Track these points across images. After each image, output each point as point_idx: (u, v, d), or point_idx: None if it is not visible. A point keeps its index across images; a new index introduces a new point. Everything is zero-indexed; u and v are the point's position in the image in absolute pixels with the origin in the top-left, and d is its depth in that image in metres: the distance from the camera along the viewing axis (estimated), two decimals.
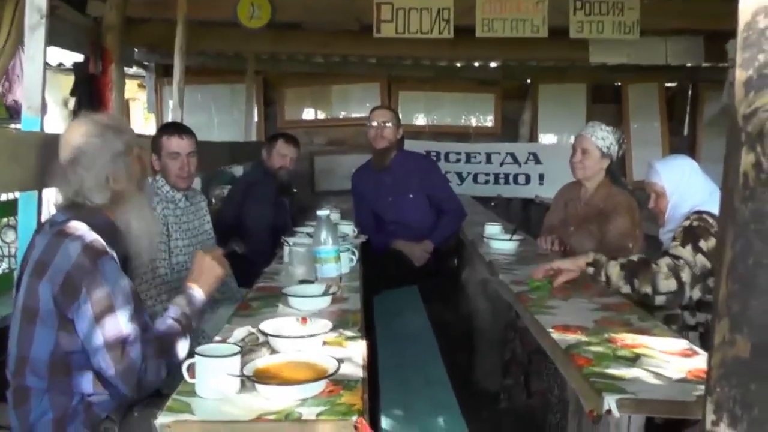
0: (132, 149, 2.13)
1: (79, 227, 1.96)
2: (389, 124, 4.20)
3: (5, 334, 2.11)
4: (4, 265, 2.75)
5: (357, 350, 1.92)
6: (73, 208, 2.05)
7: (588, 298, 2.51)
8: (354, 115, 8.20)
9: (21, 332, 1.97)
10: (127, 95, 10.10)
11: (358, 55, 7.73)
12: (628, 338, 2.00)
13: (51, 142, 2.39)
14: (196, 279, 2.18)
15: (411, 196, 4.27)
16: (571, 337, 1.99)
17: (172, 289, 3.13)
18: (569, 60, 7.56)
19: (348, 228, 3.90)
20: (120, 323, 1.88)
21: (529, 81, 8.36)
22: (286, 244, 3.12)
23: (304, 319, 2.06)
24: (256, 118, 7.85)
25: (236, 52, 7.44)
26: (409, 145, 4.63)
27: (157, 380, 1.92)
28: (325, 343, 1.96)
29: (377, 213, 4.34)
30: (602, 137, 3.42)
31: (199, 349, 1.68)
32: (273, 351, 1.88)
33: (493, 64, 8.27)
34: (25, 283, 1.97)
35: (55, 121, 6.08)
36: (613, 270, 2.57)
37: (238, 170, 6.61)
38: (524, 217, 7.45)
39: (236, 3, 5.70)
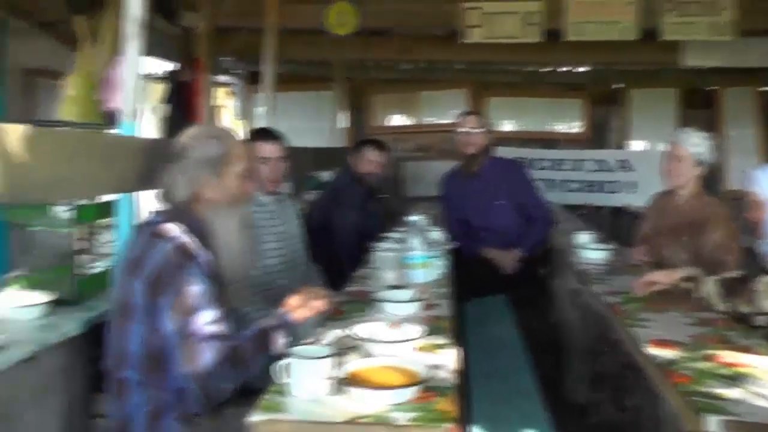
0: (231, 163, 2.17)
1: (172, 229, 2.03)
2: (478, 130, 4.19)
3: (103, 329, 2.19)
4: (102, 264, 2.85)
5: (450, 357, 1.91)
6: (168, 208, 2.13)
7: (683, 312, 2.42)
8: (442, 121, 8.18)
9: (117, 327, 2.06)
10: (216, 102, 10.42)
11: (446, 61, 7.71)
12: (728, 356, 1.91)
13: (146, 147, 2.48)
14: (294, 308, 2.14)
15: (500, 202, 4.23)
16: (668, 353, 1.93)
17: (261, 291, 3.19)
18: (660, 63, 7.26)
19: (437, 234, 3.89)
20: (199, 325, 1.92)
21: (618, 85, 8.16)
22: (375, 249, 3.13)
23: (395, 324, 2.06)
24: (343, 125, 7.92)
25: (324, 59, 7.52)
26: (499, 151, 4.60)
27: (224, 388, 1.95)
28: (417, 348, 1.96)
29: (466, 219, 4.31)
30: (696, 144, 3.30)
31: (294, 349, 1.70)
32: (365, 355, 1.88)
33: (581, 69, 8.09)
34: (121, 280, 2.05)
35: (147, 127, 6.26)
36: (710, 287, 2.46)
37: (325, 176, 6.67)
38: (615, 225, 7.28)
39: (324, 10, 5.77)
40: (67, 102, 4.23)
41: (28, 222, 2.60)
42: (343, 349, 1.89)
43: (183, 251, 1.99)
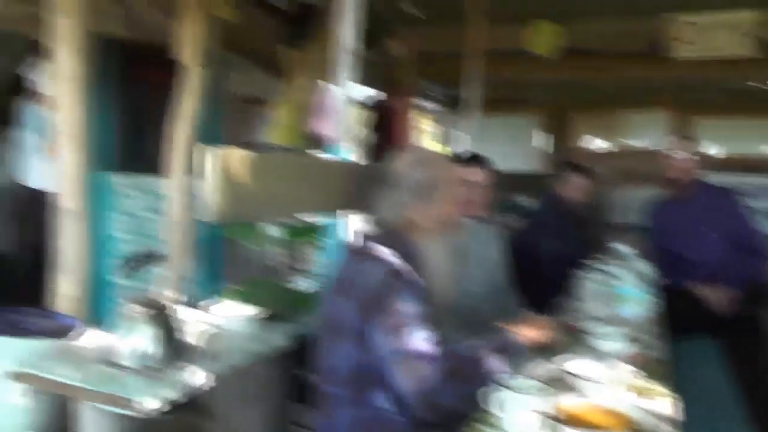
0: (441, 189, 2.16)
1: (386, 251, 2.04)
2: (688, 156, 3.93)
3: (312, 343, 2.25)
4: (308, 282, 2.95)
5: (665, 404, 1.77)
6: (379, 232, 2.15)
7: None
8: (645, 145, 7.82)
9: (328, 345, 2.10)
10: (418, 127, 10.61)
11: (650, 80, 7.33)
12: None
13: (355, 170, 2.53)
14: (521, 330, 2.11)
15: (711, 233, 3.94)
16: None
17: (464, 318, 3.16)
18: None
19: (645, 266, 3.69)
20: (417, 341, 1.90)
21: None
22: (581, 279, 3.00)
23: (608, 362, 1.95)
24: (544, 149, 7.77)
25: (524, 81, 7.42)
26: (706, 177, 4.29)
27: (451, 406, 1.90)
28: (630, 390, 1.84)
29: (672, 250, 4.06)
30: None
31: (507, 382, 1.65)
32: (575, 392, 1.79)
33: None
34: (333, 300, 2.09)
35: (352, 153, 6.47)
36: None
37: (524, 201, 6.58)
38: None
39: (526, 31, 5.69)
40: (276, 128, 4.46)
41: (241, 239, 2.74)
42: (553, 383, 1.82)
43: (396, 273, 1.99)
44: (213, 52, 3.46)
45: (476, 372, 1.94)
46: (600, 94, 7.82)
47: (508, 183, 5.80)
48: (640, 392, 1.84)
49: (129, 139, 4.77)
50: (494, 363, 1.96)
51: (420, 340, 1.91)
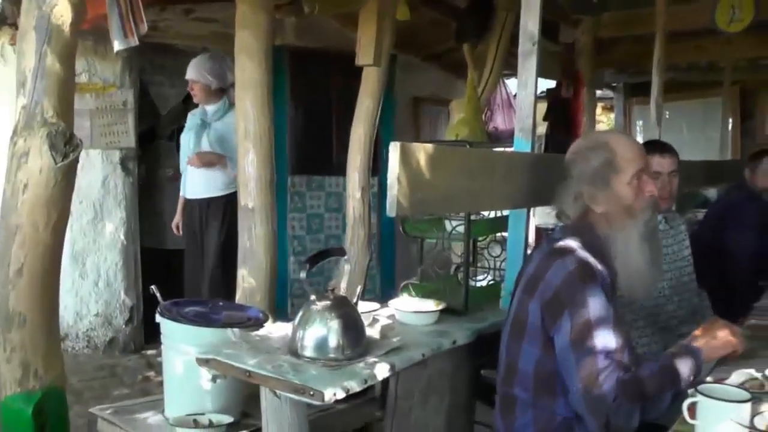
0: (620, 170, 2.02)
1: (573, 246, 1.96)
2: None
3: (491, 339, 2.24)
4: (490, 277, 2.93)
5: None
6: (565, 225, 2.09)
7: None
8: None
9: (510, 343, 2.06)
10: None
11: None
12: None
13: (538, 163, 2.48)
14: (705, 344, 1.94)
15: None
16: None
17: (649, 316, 3.02)
18: None
19: None
20: (597, 351, 1.81)
21: None
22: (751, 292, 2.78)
23: None
24: (731, 134, 7.28)
25: (710, 61, 6.96)
26: None
27: (625, 425, 1.81)
28: None
29: None
30: None
31: (703, 387, 1.54)
32: None
33: None
34: (517, 297, 2.05)
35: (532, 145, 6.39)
36: None
37: (711, 193, 6.20)
38: None
39: (713, 7, 5.31)
40: (457, 124, 4.48)
41: (423, 234, 2.76)
42: (754, 392, 1.68)
43: (585, 271, 1.91)
44: (390, 54, 3.52)
45: (662, 389, 1.82)
46: None
47: (694, 173, 5.48)
48: None
49: (305, 141, 5.01)
50: (682, 376, 1.83)
51: (598, 349, 1.81)
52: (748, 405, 1.48)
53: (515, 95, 3.14)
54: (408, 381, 2.38)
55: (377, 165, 4.05)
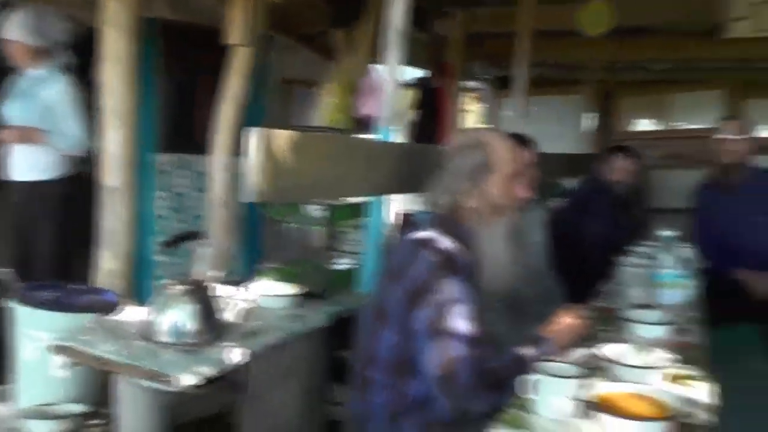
0: (494, 171, 2.11)
1: (439, 237, 2.01)
2: (739, 137, 3.82)
3: (349, 322, 2.29)
4: (349, 262, 2.97)
5: (703, 392, 1.75)
6: (434, 216, 2.14)
7: None
8: (696, 126, 7.63)
9: (370, 328, 2.10)
10: (464, 107, 10.54)
11: (703, 60, 7.12)
12: None
13: (402, 152, 2.53)
14: (556, 332, 2.05)
15: (761, 218, 3.84)
16: None
17: (505, 301, 3.14)
18: None
19: (688, 252, 3.62)
20: (456, 339, 1.87)
21: None
22: (622, 263, 2.96)
23: (645, 348, 1.92)
24: (591, 130, 7.66)
25: (574, 61, 7.28)
26: (758, 160, 4.17)
27: (476, 407, 1.87)
28: (667, 377, 1.81)
29: (719, 235, 3.97)
30: None
31: (542, 365, 1.64)
32: (612, 378, 1.77)
33: None
34: (380, 283, 2.10)
35: (398, 133, 6.46)
36: None
37: (569, 183, 6.49)
38: None
39: (577, 11, 5.57)
40: (326, 108, 4.47)
41: (283, 218, 2.77)
42: (589, 369, 1.81)
43: (447, 260, 1.97)
44: (260, 33, 3.47)
45: (513, 378, 1.86)
46: (650, 75, 7.65)
47: (554, 164, 5.74)
48: (677, 379, 1.81)
49: (174, 119, 4.84)
50: (526, 366, 1.89)
51: (457, 340, 1.87)
52: (581, 380, 1.59)
53: None
54: (265, 365, 2.37)
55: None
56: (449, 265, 1.96)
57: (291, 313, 2.50)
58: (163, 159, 4.70)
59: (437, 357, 1.87)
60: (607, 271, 3.27)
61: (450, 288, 1.92)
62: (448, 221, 2.10)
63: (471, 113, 8.69)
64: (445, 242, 2.00)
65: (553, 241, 4.60)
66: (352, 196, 2.62)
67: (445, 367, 1.85)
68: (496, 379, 1.87)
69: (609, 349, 1.89)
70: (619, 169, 4.45)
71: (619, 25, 5.56)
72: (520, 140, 3.32)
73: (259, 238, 3.94)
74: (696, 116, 7.69)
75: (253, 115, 4.56)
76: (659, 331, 2.22)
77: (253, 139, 1.78)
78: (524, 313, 3.20)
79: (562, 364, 1.70)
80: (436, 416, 1.96)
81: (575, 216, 4.37)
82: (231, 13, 3.32)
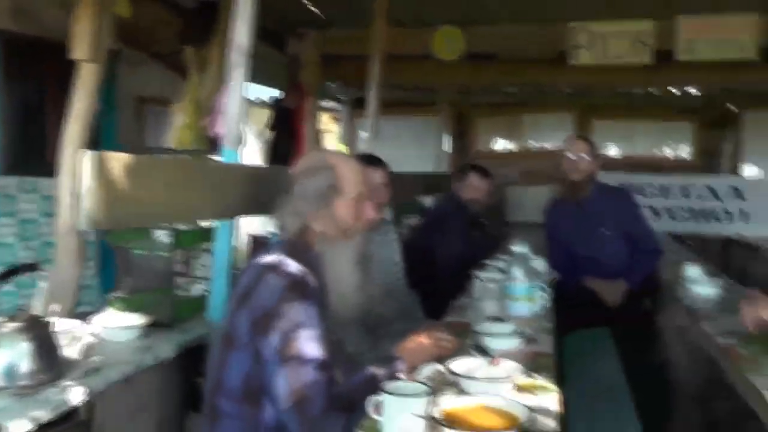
0: (342, 194, 2.12)
1: (287, 261, 1.98)
2: (586, 156, 4.02)
3: (200, 351, 2.18)
4: (199, 288, 2.88)
5: (550, 399, 1.80)
6: (282, 240, 2.11)
7: None
8: (546, 146, 8.04)
9: (220, 355, 2.03)
10: (321, 127, 10.56)
11: (552, 85, 7.52)
12: None
13: (248, 174, 2.48)
14: (408, 351, 2.06)
15: (606, 231, 4.04)
16: None
17: (360, 320, 3.14)
18: None
19: (540, 264, 3.75)
20: (306, 365, 1.84)
21: (732, 108, 7.73)
22: (476, 278, 3.02)
23: (495, 360, 1.96)
24: (447, 150, 7.86)
25: (429, 84, 7.47)
26: (602, 177, 4.41)
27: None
28: (516, 388, 1.85)
29: (569, 248, 4.16)
30: None
31: (387, 386, 1.62)
32: (461, 392, 1.79)
33: (693, 91, 7.66)
34: (230, 309, 2.03)
35: (252, 153, 6.38)
36: None
37: (428, 201, 6.61)
38: (726, 258, 6.91)
39: (431, 36, 5.73)
40: (177, 128, 4.34)
41: (130, 245, 2.65)
42: (439, 384, 1.82)
43: (298, 290, 1.93)
44: (108, 49, 3.33)
45: (362, 398, 1.79)
46: (503, 97, 7.98)
47: (410, 184, 5.84)
48: (524, 389, 1.85)
49: (20, 138, 4.53)
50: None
51: (308, 367, 1.84)
52: (427, 398, 1.58)
53: None
54: (112, 401, 2.25)
55: None
56: (296, 289, 1.93)
57: (138, 346, 2.39)
58: (7, 182, 4.39)
59: (287, 384, 1.83)
60: (463, 287, 3.34)
61: (297, 313, 1.89)
62: (296, 245, 2.08)
63: (329, 133, 8.73)
64: (292, 266, 1.97)
65: (410, 259, 4.68)
66: (197, 220, 2.53)
67: (296, 395, 1.82)
68: (348, 401, 1.85)
69: (458, 364, 1.91)
70: (473, 188, 4.56)
71: (471, 50, 5.79)
72: (370, 161, 3.36)
73: (109, 267, 3.74)
74: (547, 136, 8.09)
75: (103, 134, 4.36)
76: (510, 343, 2.27)
77: (86, 162, 1.68)
78: (381, 332, 3.21)
79: (408, 383, 1.69)
80: None
81: (432, 234, 4.44)
82: (76, 27, 3.16)
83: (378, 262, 3.33)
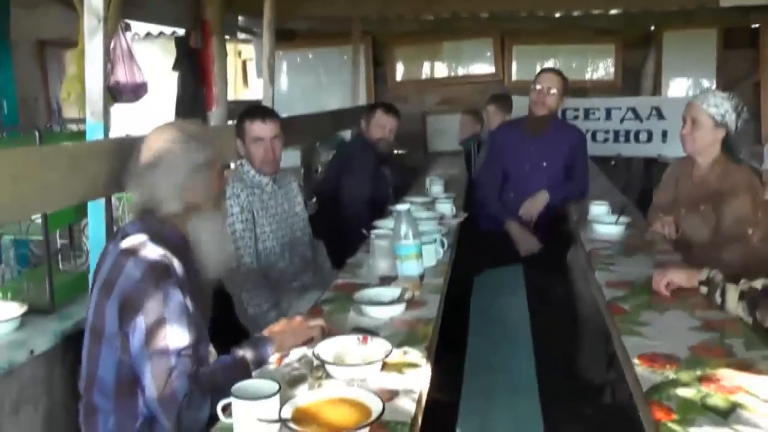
0: (214, 164, 2.08)
1: (146, 244, 1.89)
2: (554, 91, 3.97)
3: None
4: (79, 268, 2.78)
5: (416, 380, 1.77)
6: (145, 216, 2.01)
7: (690, 310, 2.18)
8: (467, 73, 7.94)
9: (89, 350, 1.95)
10: (243, 57, 10.23)
11: (470, 12, 7.37)
12: (725, 377, 1.68)
13: (114, 149, 2.34)
14: (278, 334, 2.00)
15: (549, 167, 4.08)
16: (657, 374, 1.71)
17: (256, 277, 3.10)
18: (697, 3, 6.58)
19: (446, 206, 3.73)
20: (169, 351, 1.79)
21: (652, 28, 7.68)
22: (370, 235, 2.98)
23: (365, 338, 1.93)
24: (364, 81, 7.70)
25: (343, 15, 7.23)
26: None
27: (199, 417, 1.79)
28: (384, 365, 1.83)
29: (504, 177, 4.18)
30: (715, 104, 2.99)
31: (236, 387, 1.57)
32: (326, 376, 1.77)
33: (613, 12, 7.51)
34: (94, 300, 1.94)
35: (165, 87, 6.10)
36: (731, 296, 2.16)
37: (347, 134, 6.49)
38: (647, 177, 7.03)
39: None
40: (69, 80, 4.09)
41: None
42: (304, 370, 1.79)
43: (157, 272, 1.86)
44: None
45: (233, 382, 1.72)
46: (422, 25, 7.78)
47: (322, 123, 5.72)
48: (396, 367, 1.83)
49: None
50: (249, 373, 1.86)
51: (171, 349, 1.80)
52: (276, 398, 1.52)
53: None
54: None
55: None
56: (158, 272, 1.86)
57: (12, 340, 2.28)
58: None
59: (152, 377, 1.79)
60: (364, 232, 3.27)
61: (161, 300, 1.83)
62: (156, 223, 1.99)
63: (251, 61, 8.44)
64: (152, 250, 1.88)
65: (321, 199, 4.61)
66: (52, 209, 2.38)
67: (160, 386, 1.78)
68: (214, 383, 1.80)
69: (325, 346, 1.87)
70: (380, 126, 4.47)
71: None
72: (260, 113, 3.25)
73: None
74: (467, 63, 7.98)
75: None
76: (392, 311, 2.24)
77: None
78: (281, 285, 3.19)
79: (261, 381, 1.64)
80: None
81: (340, 173, 4.36)
82: None
83: (276, 215, 3.29)
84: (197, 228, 2.05)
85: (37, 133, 2.43)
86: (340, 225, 4.04)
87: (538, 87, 3.97)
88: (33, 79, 5.41)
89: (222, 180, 2.16)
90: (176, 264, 1.92)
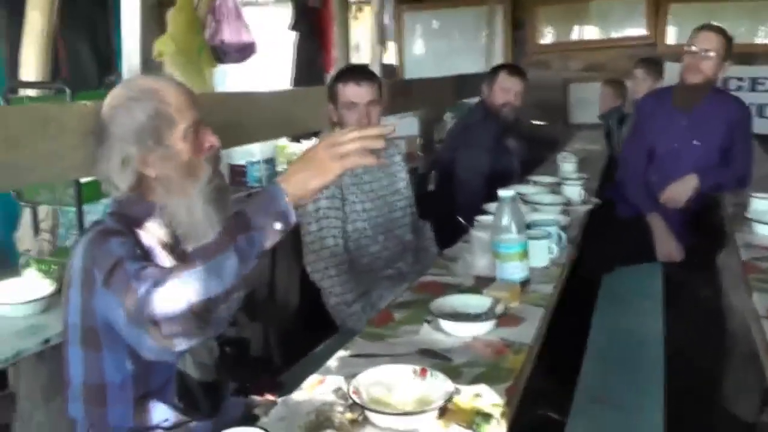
0: (172, 123, 1.59)
1: (110, 237, 1.51)
2: (712, 54, 3.20)
3: None
4: None
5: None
6: (115, 199, 1.64)
7: None
8: (616, 35, 7.16)
9: (68, 354, 1.61)
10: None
11: None
12: None
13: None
14: (292, 172, 1.43)
15: (702, 147, 3.35)
16: None
17: (344, 262, 2.71)
18: None
19: (574, 189, 3.18)
20: (130, 276, 1.40)
21: None
22: (472, 224, 2.49)
23: (423, 371, 1.46)
24: (501, 45, 7.12)
25: None
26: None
27: (174, 298, 1.35)
28: (445, 411, 1.36)
29: (651, 155, 3.49)
30: None
31: None
32: (365, 418, 1.33)
33: None
34: (72, 299, 1.56)
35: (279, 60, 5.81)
36: None
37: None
38: None
39: None
40: (162, 39, 3.81)
41: (35, 199, 2.23)
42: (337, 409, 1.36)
43: (103, 232, 1.53)
44: None
45: (215, 254, 1.36)
46: None
47: (444, 89, 5.25)
48: (461, 416, 1.35)
49: None
50: (248, 228, 1.39)
51: (134, 267, 1.41)
52: None
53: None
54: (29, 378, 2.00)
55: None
56: (103, 234, 1.52)
57: (28, 325, 2.00)
58: None
59: (121, 299, 1.40)
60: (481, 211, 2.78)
61: (110, 248, 1.48)
62: (128, 203, 1.62)
63: (362, 29, 8.07)
64: (115, 241, 1.50)
65: (439, 175, 4.17)
66: (62, 179, 2.05)
67: (128, 300, 1.38)
68: (194, 260, 1.38)
69: (368, 378, 1.42)
70: (503, 90, 3.95)
71: None
72: (353, 75, 2.84)
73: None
74: (617, 25, 7.21)
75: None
76: (478, 329, 1.76)
77: None
78: (373, 273, 2.82)
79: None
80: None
81: (456, 146, 3.90)
82: None
83: (372, 191, 2.91)
84: (173, 205, 1.62)
85: None
86: (454, 205, 3.59)
87: (693, 48, 3.23)
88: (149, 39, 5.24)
89: (197, 138, 1.63)
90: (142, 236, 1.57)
